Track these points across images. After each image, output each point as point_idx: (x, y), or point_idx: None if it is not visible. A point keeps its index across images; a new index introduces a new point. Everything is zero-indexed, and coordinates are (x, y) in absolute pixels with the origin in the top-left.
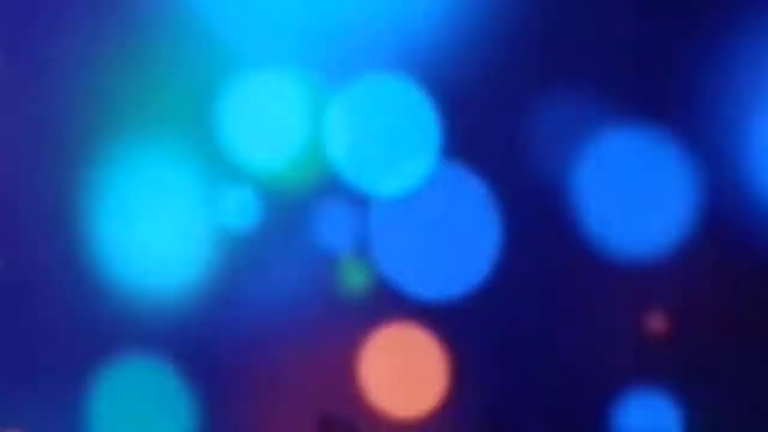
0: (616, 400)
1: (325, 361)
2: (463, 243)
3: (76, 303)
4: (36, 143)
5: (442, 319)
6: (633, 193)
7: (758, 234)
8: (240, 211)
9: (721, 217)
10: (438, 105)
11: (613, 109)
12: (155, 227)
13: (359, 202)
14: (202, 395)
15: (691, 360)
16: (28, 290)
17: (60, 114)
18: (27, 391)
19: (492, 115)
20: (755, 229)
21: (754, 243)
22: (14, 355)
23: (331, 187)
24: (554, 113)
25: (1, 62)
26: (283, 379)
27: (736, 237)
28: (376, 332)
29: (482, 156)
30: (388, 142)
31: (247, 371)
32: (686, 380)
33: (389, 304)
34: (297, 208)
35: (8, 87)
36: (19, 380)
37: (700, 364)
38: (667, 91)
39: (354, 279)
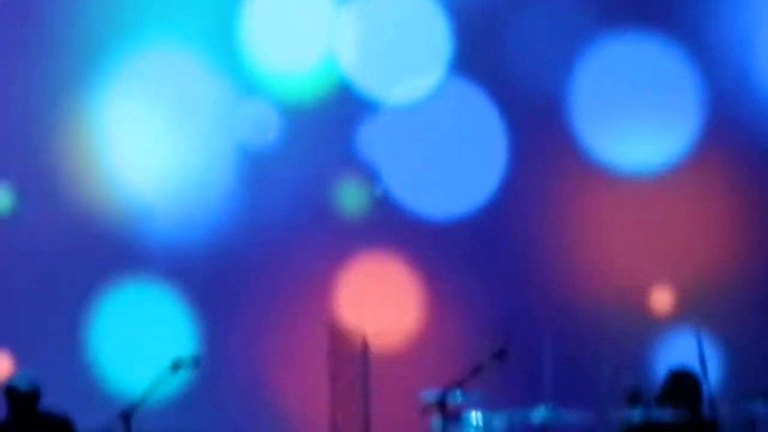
0: (627, 319)
1: (331, 276)
2: (469, 159)
3: (87, 218)
4: (54, 59)
5: (446, 236)
6: (635, 100)
7: (763, 136)
8: (254, 124)
9: (726, 121)
10: (447, 16)
11: (615, 15)
12: (172, 141)
13: (368, 112)
14: (209, 308)
15: (700, 268)
16: (37, 210)
17: (76, 24)
18: (25, 315)
19: (498, 28)
20: (759, 132)
21: (759, 146)
22: (18, 280)
23: (342, 97)
24: (559, 23)
25: None
26: (291, 292)
27: (740, 142)
28: (379, 250)
29: (488, 67)
30: (398, 52)
31: (255, 283)
32: (697, 288)
33: (396, 221)
34: (308, 120)
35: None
36: (19, 305)
37: (710, 275)
38: None
39: (360, 196)
